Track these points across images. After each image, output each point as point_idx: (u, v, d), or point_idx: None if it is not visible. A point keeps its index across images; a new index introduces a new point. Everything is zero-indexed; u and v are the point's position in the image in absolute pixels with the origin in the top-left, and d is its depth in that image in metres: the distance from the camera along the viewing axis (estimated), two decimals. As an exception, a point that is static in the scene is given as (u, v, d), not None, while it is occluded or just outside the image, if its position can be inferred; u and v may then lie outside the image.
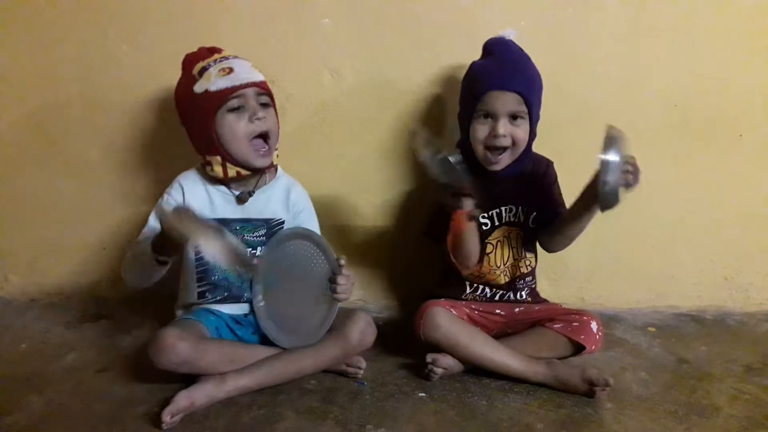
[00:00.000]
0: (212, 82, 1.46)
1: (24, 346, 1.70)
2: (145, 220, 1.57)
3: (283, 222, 1.62)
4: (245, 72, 1.49)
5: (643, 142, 1.85)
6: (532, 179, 1.64)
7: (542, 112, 1.59)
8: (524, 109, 1.51)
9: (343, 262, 1.47)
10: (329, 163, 1.90)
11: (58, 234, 1.98)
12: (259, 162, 1.53)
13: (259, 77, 1.52)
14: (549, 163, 1.68)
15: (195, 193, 1.57)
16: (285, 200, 1.64)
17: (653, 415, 1.40)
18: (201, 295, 1.58)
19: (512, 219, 1.65)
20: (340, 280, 1.45)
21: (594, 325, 1.55)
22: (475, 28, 1.78)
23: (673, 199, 1.93)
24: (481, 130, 1.54)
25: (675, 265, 1.98)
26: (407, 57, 1.83)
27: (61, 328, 1.81)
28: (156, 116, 1.87)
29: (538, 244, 1.69)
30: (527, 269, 1.69)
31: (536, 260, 1.72)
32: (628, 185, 1.38)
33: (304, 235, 1.56)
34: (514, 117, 1.52)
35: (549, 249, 1.65)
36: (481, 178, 1.59)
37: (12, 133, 1.91)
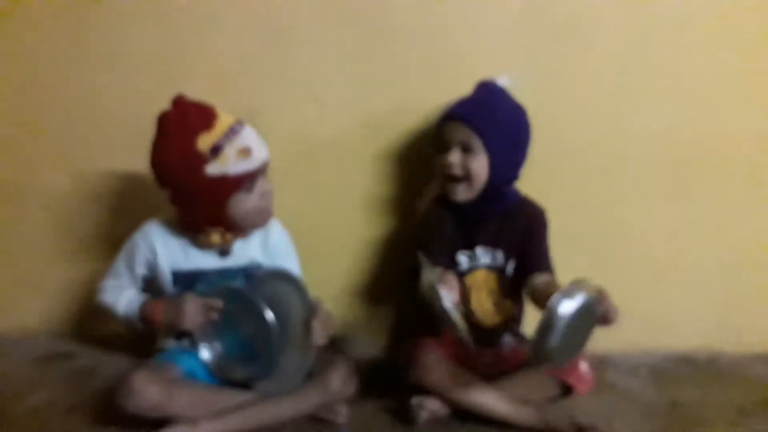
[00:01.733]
0: (230, 165, 1.39)
1: (-12, 385, 1.64)
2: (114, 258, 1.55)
3: (261, 268, 1.58)
4: (260, 150, 1.46)
5: (633, 178, 1.87)
6: (518, 226, 1.60)
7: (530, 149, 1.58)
8: (477, 140, 1.49)
9: (318, 304, 1.45)
10: (312, 196, 1.87)
11: (27, 267, 1.93)
12: (264, 224, 1.55)
13: (267, 151, 1.50)
14: (539, 213, 1.64)
15: (166, 247, 1.53)
16: (264, 245, 1.60)
17: (645, 461, 1.36)
18: (179, 336, 1.54)
19: (491, 263, 1.61)
20: (315, 324, 1.42)
21: (583, 366, 1.52)
22: (464, 63, 1.77)
23: (664, 239, 1.91)
24: (439, 160, 1.56)
25: (666, 307, 1.94)
26: (393, 89, 1.81)
27: (28, 366, 1.75)
28: (131, 148, 1.79)
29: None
30: (507, 316, 1.64)
31: (521, 307, 1.67)
32: (606, 322, 1.34)
33: (280, 276, 1.51)
34: (466, 149, 1.51)
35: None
36: (459, 215, 1.59)
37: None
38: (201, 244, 1.52)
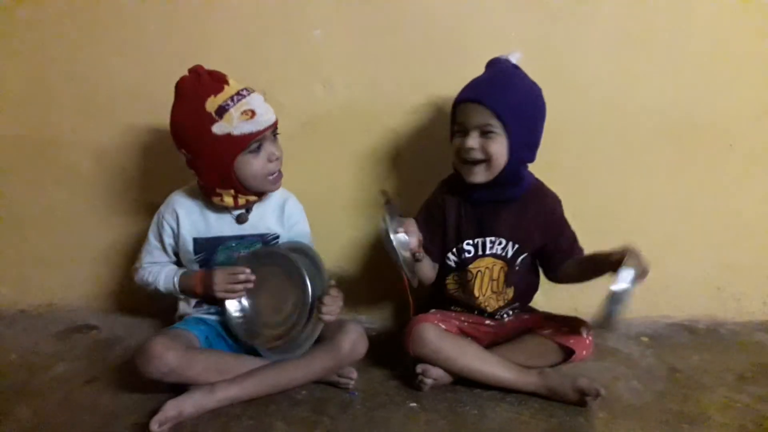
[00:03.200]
0: (235, 125, 1.43)
1: (13, 357, 1.69)
2: (135, 233, 1.58)
3: (278, 236, 1.62)
4: (266, 114, 1.49)
5: (634, 153, 1.89)
6: (534, 218, 1.59)
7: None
8: (496, 123, 1.45)
9: (333, 283, 1.49)
10: (320, 174, 1.90)
11: (49, 245, 1.98)
12: (274, 188, 1.58)
13: (273, 116, 1.52)
14: (555, 201, 1.63)
15: (190, 217, 1.58)
16: (280, 214, 1.64)
17: (645, 424, 1.40)
18: (198, 303, 1.60)
19: (499, 252, 1.60)
20: (327, 300, 1.46)
21: (584, 330, 1.54)
22: (467, 42, 1.80)
23: (665, 209, 1.93)
24: (455, 143, 1.53)
25: (667, 275, 1.96)
26: (399, 70, 1.83)
27: (51, 339, 1.81)
28: (147, 127, 1.87)
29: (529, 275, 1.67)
30: (506, 301, 1.65)
31: (532, 290, 1.70)
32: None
33: (301, 250, 1.56)
34: (485, 132, 1.47)
35: (555, 281, 1.65)
36: (472, 203, 1.59)
37: (3, 144, 1.91)
38: (218, 208, 1.57)
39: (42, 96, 1.88)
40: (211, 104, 1.43)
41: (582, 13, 1.80)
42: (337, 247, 1.95)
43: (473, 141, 1.47)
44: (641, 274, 1.35)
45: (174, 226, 1.57)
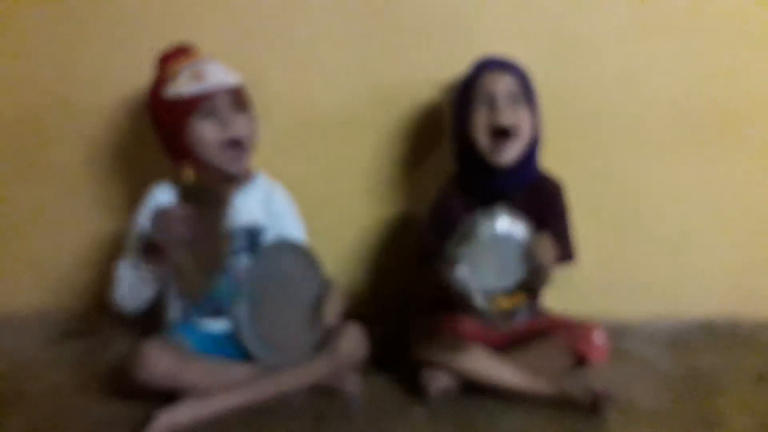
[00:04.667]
0: (182, 86, 1.43)
1: (1, 364, 1.66)
2: (124, 237, 1.56)
3: (263, 229, 1.57)
4: (217, 76, 1.46)
5: (649, 144, 1.85)
6: (538, 203, 1.56)
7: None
8: (521, 92, 1.49)
9: (333, 283, 1.46)
10: (319, 166, 1.87)
11: (37, 247, 1.95)
12: (232, 167, 1.50)
13: (232, 81, 1.48)
14: (557, 188, 1.61)
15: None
16: (265, 205, 1.59)
17: (662, 427, 1.36)
18: (185, 310, 1.54)
19: None
20: (328, 302, 1.42)
21: (598, 335, 1.49)
22: (472, 27, 1.77)
23: (681, 205, 1.88)
24: (480, 117, 1.50)
25: (684, 274, 1.92)
26: (399, 58, 1.81)
27: (40, 345, 1.78)
28: (135, 120, 1.83)
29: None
30: (524, 301, 1.61)
31: None
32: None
33: (296, 248, 1.50)
34: (512, 99, 1.49)
35: None
36: (478, 198, 1.54)
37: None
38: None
39: (24, 87, 1.85)
40: (171, 68, 1.47)
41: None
42: (340, 246, 1.91)
43: (506, 111, 1.48)
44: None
45: None
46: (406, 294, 1.89)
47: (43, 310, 1.97)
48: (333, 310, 1.43)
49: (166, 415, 1.30)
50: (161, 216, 1.35)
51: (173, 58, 1.49)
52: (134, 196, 1.81)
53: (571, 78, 1.78)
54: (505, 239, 1.36)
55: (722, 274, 1.93)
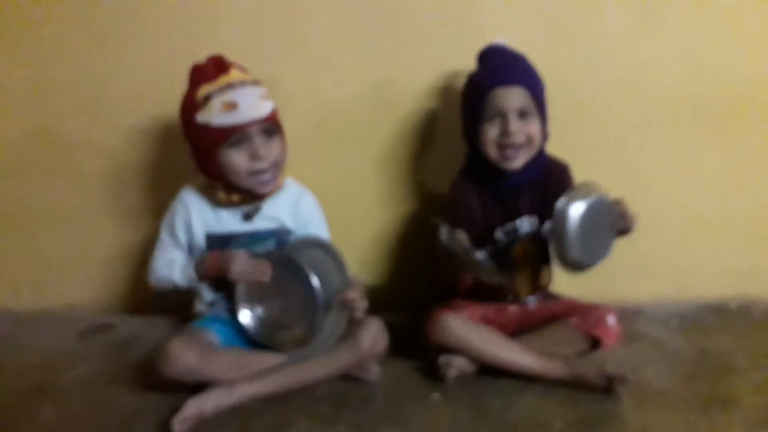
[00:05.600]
0: (214, 116, 1.41)
1: (34, 358, 1.70)
2: (151, 231, 1.60)
3: (291, 233, 1.60)
4: (249, 108, 1.43)
5: (658, 128, 1.85)
6: (547, 186, 1.59)
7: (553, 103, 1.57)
8: (532, 104, 1.49)
9: (356, 278, 1.50)
10: (332, 166, 1.88)
11: (67, 247, 1.98)
12: (263, 190, 1.52)
13: (264, 111, 1.46)
14: (564, 169, 1.64)
15: (200, 211, 1.57)
16: (293, 211, 1.61)
17: (674, 408, 1.37)
18: (212, 303, 1.58)
19: (530, 231, 1.60)
20: (352, 296, 1.44)
21: (611, 319, 1.52)
22: (477, 25, 1.77)
23: (692, 188, 1.89)
24: (490, 131, 1.51)
25: (696, 256, 1.93)
26: (406, 55, 1.81)
27: (71, 339, 1.82)
28: (157, 126, 1.86)
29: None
30: (547, 281, 1.66)
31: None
32: (623, 232, 1.43)
33: (321, 245, 1.54)
34: (523, 114, 1.49)
35: None
36: (494, 191, 1.58)
37: (17, 146, 1.92)
38: (227, 203, 1.55)
39: (49, 98, 1.88)
40: (201, 91, 1.43)
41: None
42: (357, 241, 1.93)
43: (515, 125, 1.48)
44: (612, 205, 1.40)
45: (186, 220, 1.56)
46: (424, 284, 1.90)
47: (75, 307, 2.01)
48: (358, 304, 1.46)
49: (193, 404, 1.33)
50: (246, 261, 1.46)
51: (207, 76, 1.45)
52: (155, 200, 1.89)
53: (579, 69, 1.78)
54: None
55: (733, 257, 1.93)
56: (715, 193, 1.89)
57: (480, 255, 1.42)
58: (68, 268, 2.00)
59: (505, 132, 1.48)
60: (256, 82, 1.48)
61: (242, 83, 1.45)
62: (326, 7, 1.78)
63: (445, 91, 1.82)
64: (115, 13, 1.81)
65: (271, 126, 1.49)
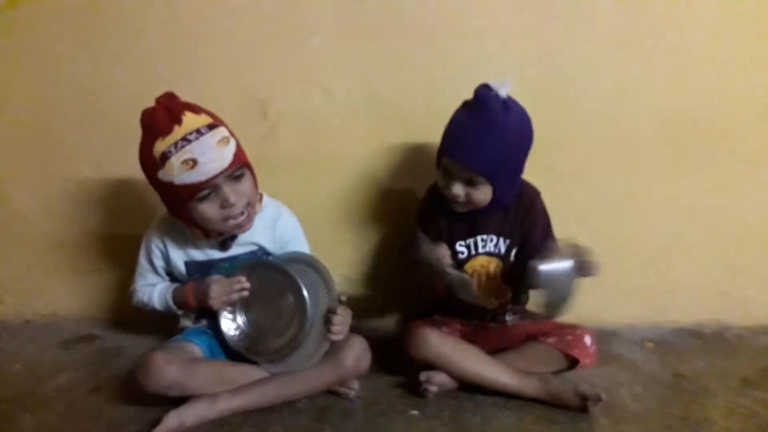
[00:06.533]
0: (175, 175, 1.35)
1: (17, 366, 1.71)
2: (139, 243, 1.60)
3: (269, 254, 1.60)
4: (210, 162, 1.36)
5: (635, 156, 1.88)
6: (516, 210, 1.61)
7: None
8: (481, 179, 1.47)
9: (343, 299, 1.50)
10: (321, 182, 1.90)
11: (53, 255, 1.99)
12: (240, 232, 1.52)
13: (226, 161, 1.39)
14: (534, 196, 1.64)
15: (177, 241, 1.58)
16: (271, 232, 1.60)
17: (648, 429, 1.40)
18: (197, 319, 1.60)
19: (492, 250, 1.62)
20: (336, 320, 1.45)
21: (587, 339, 1.55)
22: (466, 47, 1.80)
23: (669, 213, 1.92)
24: (441, 181, 1.54)
25: (672, 280, 1.96)
26: (399, 77, 1.84)
27: (55, 349, 1.82)
28: None
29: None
30: (506, 300, 1.66)
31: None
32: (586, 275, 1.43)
33: (308, 261, 1.55)
34: (471, 182, 1.49)
35: None
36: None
37: (7, 153, 1.93)
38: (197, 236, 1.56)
39: (44, 105, 1.89)
40: (157, 148, 1.36)
41: (581, 16, 1.79)
42: (341, 256, 1.95)
43: (458, 189, 1.50)
44: (582, 267, 1.40)
45: (162, 249, 1.58)
46: (407, 300, 1.92)
47: (58, 317, 2.02)
48: (343, 327, 1.47)
49: (174, 416, 1.35)
50: (221, 287, 1.46)
51: (160, 129, 1.36)
52: (144, 207, 1.89)
53: (559, 96, 1.80)
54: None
55: (708, 281, 1.97)
56: (690, 221, 1.93)
57: (452, 270, 1.46)
58: (54, 278, 2.00)
59: (446, 190, 1.52)
60: (212, 126, 1.40)
61: (198, 133, 1.37)
62: (320, 28, 1.81)
63: (433, 113, 1.79)
64: (113, 26, 1.83)
65: (237, 170, 1.43)
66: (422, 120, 1.85)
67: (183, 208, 1.43)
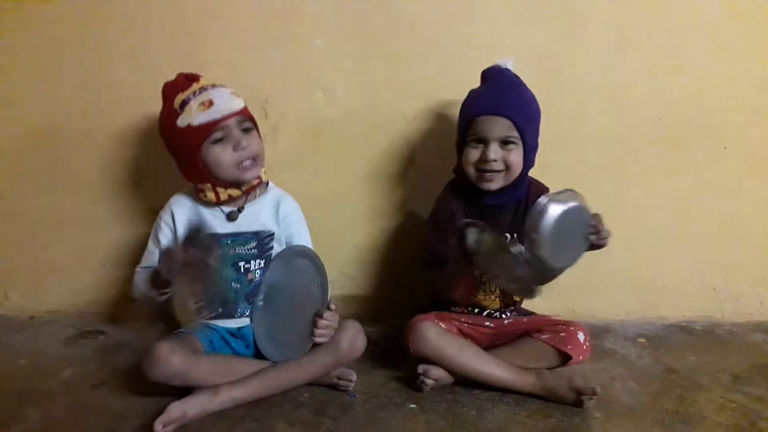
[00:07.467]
0: (194, 116, 1.48)
1: (22, 361, 1.72)
2: (142, 239, 1.61)
3: (272, 234, 1.64)
4: (225, 103, 1.51)
5: (629, 155, 1.91)
6: (527, 208, 1.60)
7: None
8: (515, 134, 1.52)
9: (333, 306, 1.53)
10: (322, 181, 1.93)
11: (58, 252, 2.00)
12: (248, 176, 1.56)
13: (239, 105, 1.54)
14: (545, 190, 1.66)
15: (185, 214, 1.61)
16: (275, 213, 1.65)
17: (641, 424, 1.42)
18: (197, 311, 1.60)
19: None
20: (321, 324, 1.49)
21: (581, 335, 1.57)
22: (465, 49, 1.83)
23: (661, 211, 1.96)
24: (472, 154, 1.56)
25: (664, 276, 1.99)
26: (398, 76, 1.86)
27: (59, 344, 1.84)
28: (153, 135, 1.84)
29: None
30: (512, 302, 1.69)
31: None
32: (596, 246, 1.46)
33: (309, 256, 1.59)
34: (505, 142, 1.53)
35: None
36: (477, 207, 1.62)
37: (12, 151, 1.94)
38: (211, 205, 1.60)
39: (48, 102, 1.91)
40: (178, 100, 1.51)
41: (577, 17, 1.83)
42: (342, 252, 1.98)
43: (495, 153, 1.52)
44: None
45: (171, 224, 1.61)
46: (405, 296, 1.95)
47: (63, 313, 2.04)
48: (327, 330, 1.50)
49: (176, 407, 1.37)
50: (167, 255, 1.43)
51: (180, 87, 1.53)
52: (147, 205, 1.92)
53: (555, 95, 1.82)
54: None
55: (700, 278, 2.00)
56: (682, 219, 1.96)
57: (518, 247, 1.40)
58: (59, 273, 2.02)
59: (484, 158, 1.54)
60: (225, 86, 1.56)
61: (214, 85, 1.53)
62: (322, 30, 1.83)
63: (430, 116, 1.88)
64: (116, 25, 1.85)
65: (247, 122, 1.56)
66: (422, 120, 1.88)
67: (197, 156, 1.51)
